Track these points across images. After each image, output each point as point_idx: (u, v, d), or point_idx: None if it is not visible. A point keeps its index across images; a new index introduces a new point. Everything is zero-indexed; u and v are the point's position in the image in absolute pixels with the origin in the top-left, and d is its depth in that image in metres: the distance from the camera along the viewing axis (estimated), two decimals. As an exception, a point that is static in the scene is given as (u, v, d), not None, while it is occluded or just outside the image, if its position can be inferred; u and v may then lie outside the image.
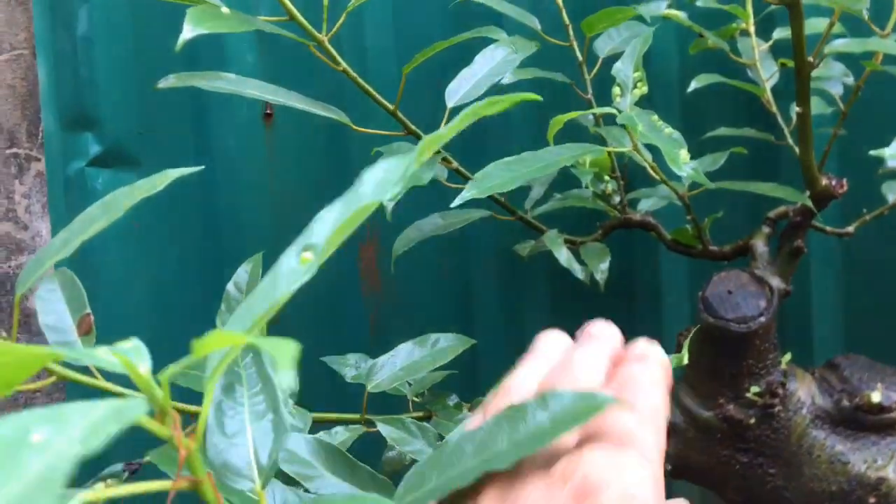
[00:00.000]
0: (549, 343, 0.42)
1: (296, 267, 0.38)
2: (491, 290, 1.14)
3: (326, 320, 1.17)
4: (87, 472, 0.70)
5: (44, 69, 1.13)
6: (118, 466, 0.69)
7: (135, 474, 0.68)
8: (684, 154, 0.66)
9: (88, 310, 0.72)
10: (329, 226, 0.39)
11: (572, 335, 0.43)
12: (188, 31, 0.65)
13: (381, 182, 0.39)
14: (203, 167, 0.74)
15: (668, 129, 0.68)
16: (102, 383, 0.70)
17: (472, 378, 0.99)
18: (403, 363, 0.77)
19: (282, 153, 1.16)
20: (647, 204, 0.93)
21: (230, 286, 0.83)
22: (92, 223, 0.64)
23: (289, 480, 0.58)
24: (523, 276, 1.11)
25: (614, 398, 0.44)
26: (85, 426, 0.24)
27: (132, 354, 0.32)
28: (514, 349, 1.12)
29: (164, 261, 1.14)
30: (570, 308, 1.10)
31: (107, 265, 1.14)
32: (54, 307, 0.72)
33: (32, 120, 1.23)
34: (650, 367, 0.38)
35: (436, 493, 0.46)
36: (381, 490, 0.62)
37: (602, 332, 0.41)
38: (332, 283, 1.16)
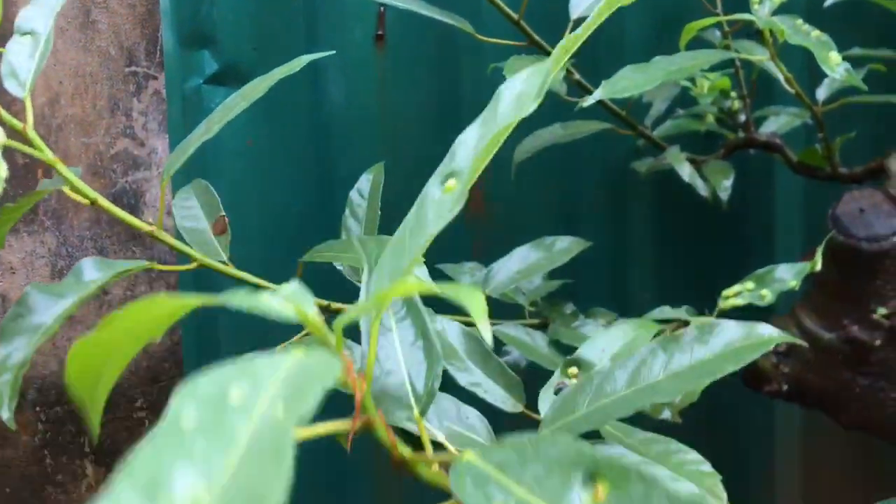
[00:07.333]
0: None
1: (441, 197, 0.36)
2: (599, 211, 1.13)
3: (428, 246, 1.18)
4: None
5: (164, -14, 1.16)
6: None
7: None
8: (835, 56, 0.64)
9: (223, 212, 0.76)
10: (471, 150, 0.37)
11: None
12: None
13: (519, 96, 0.36)
14: (334, 52, 0.76)
15: (816, 32, 0.66)
16: (234, 271, 0.73)
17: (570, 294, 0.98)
18: (520, 265, 0.78)
19: (393, 75, 1.16)
20: (774, 125, 0.91)
21: (353, 193, 0.85)
22: (232, 109, 0.66)
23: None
24: (632, 197, 1.09)
25: (781, 336, 0.42)
26: (281, 384, 0.23)
27: (301, 300, 0.31)
28: (618, 272, 1.11)
29: (276, 179, 1.16)
30: (680, 231, 1.09)
31: (222, 182, 1.17)
32: (192, 213, 0.76)
33: (151, 38, 1.26)
34: None
35: (588, 422, 0.43)
36: (510, 384, 0.63)
37: None
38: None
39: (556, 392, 0.51)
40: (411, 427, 0.40)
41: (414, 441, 0.39)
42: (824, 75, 0.86)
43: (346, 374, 0.32)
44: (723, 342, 0.42)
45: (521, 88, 0.36)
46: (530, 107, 0.35)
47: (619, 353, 0.54)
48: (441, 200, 0.35)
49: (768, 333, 0.43)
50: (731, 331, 0.43)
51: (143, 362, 1.27)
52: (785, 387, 0.81)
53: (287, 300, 0.30)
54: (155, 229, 0.64)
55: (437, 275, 0.91)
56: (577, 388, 0.42)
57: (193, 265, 0.67)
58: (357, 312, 0.31)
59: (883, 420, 0.80)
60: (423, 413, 0.40)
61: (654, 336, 0.57)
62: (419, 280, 0.30)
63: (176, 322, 1.26)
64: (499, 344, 0.76)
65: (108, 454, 1.24)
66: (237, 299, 0.29)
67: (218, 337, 1.19)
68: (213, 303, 0.29)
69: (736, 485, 0.57)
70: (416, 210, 0.36)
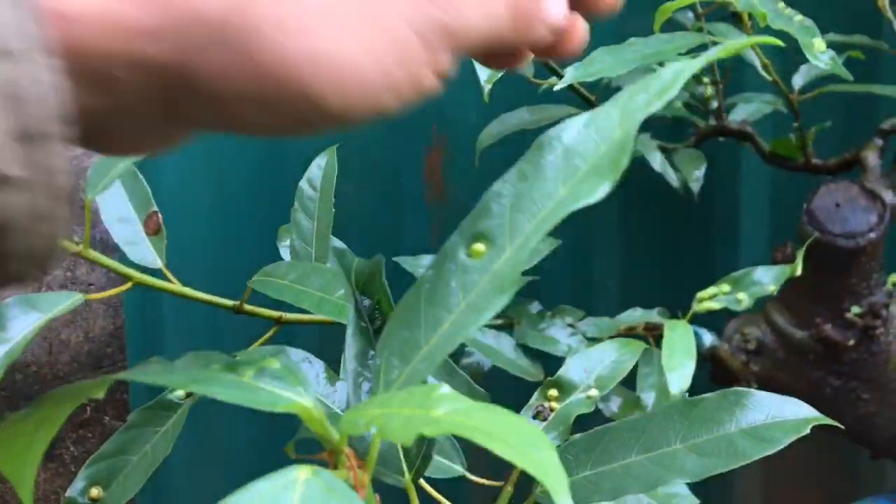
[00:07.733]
0: None
1: (465, 262, 0.30)
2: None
3: (385, 229, 1.13)
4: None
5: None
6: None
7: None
8: (819, 42, 0.60)
9: (155, 207, 0.66)
10: (506, 209, 0.31)
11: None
12: None
13: (567, 153, 0.30)
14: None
15: (799, 17, 0.63)
16: (176, 287, 0.65)
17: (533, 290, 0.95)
18: (485, 264, 0.73)
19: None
20: (746, 112, 0.87)
21: (303, 183, 0.79)
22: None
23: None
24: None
25: (818, 417, 0.39)
26: None
27: (304, 392, 0.28)
28: (582, 263, 1.08)
29: (225, 161, 1.10)
30: (644, 220, 1.06)
31: (167, 165, 1.10)
32: (118, 204, 0.66)
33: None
34: None
35: (595, 489, 0.39)
36: (477, 399, 0.59)
37: None
38: (393, 190, 1.12)
39: (535, 416, 0.48)
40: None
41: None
42: (798, 62, 0.83)
43: (349, 469, 0.29)
44: (752, 420, 0.38)
45: (570, 144, 0.29)
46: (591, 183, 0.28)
47: (604, 375, 0.51)
48: (466, 267, 0.29)
49: (806, 414, 0.40)
50: (763, 406, 0.39)
51: (85, 346, 1.21)
52: (755, 386, 0.78)
53: (284, 389, 0.28)
54: (82, 249, 0.57)
55: (393, 269, 0.86)
56: (580, 443, 0.38)
57: (128, 285, 0.60)
58: (358, 428, 0.27)
59: (854, 421, 0.78)
60: (415, 480, 0.37)
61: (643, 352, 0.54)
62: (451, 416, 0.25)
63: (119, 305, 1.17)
64: (460, 345, 0.72)
65: (50, 444, 1.18)
66: (223, 393, 0.28)
67: (163, 320, 1.13)
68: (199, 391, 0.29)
69: (695, 486, 0.55)
70: (434, 270, 0.30)
